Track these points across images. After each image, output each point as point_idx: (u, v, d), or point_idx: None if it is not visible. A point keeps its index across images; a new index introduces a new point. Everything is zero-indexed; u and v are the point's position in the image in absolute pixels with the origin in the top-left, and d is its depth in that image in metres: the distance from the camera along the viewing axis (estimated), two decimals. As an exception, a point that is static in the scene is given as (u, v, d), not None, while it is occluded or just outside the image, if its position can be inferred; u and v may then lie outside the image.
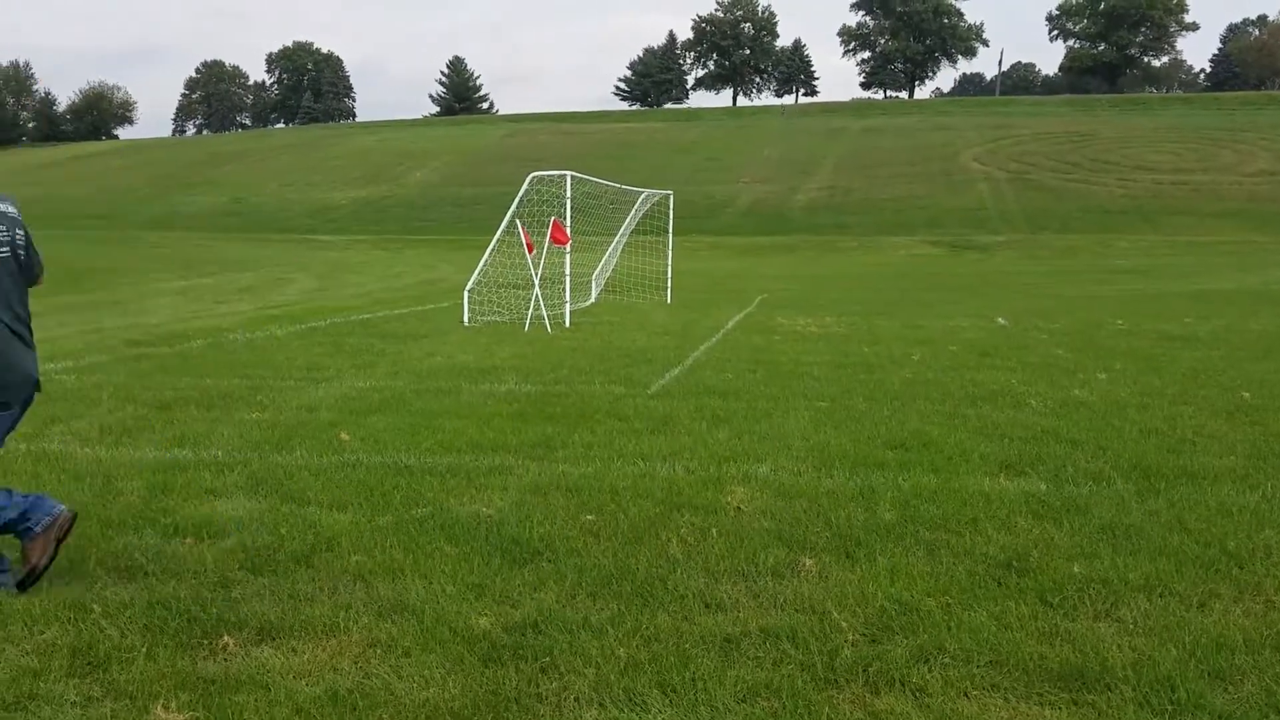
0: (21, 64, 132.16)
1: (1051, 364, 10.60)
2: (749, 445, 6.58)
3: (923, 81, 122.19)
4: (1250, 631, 3.58)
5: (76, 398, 8.13)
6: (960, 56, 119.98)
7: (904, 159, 66.48)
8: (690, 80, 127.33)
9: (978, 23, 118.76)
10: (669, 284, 20.37)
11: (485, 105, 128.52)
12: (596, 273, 20.07)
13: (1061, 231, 48.17)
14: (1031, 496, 5.31)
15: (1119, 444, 6.62)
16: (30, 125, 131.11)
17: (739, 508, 5.11)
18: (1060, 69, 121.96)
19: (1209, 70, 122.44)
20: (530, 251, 14.40)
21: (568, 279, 15.24)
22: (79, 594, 3.90)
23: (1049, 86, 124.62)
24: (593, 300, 18.99)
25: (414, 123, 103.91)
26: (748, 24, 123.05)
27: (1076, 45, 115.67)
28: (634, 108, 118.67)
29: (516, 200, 15.19)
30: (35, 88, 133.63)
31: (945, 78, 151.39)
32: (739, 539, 4.60)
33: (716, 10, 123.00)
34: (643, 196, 20.57)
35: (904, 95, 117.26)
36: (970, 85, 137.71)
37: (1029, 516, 4.96)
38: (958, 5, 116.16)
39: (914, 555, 4.40)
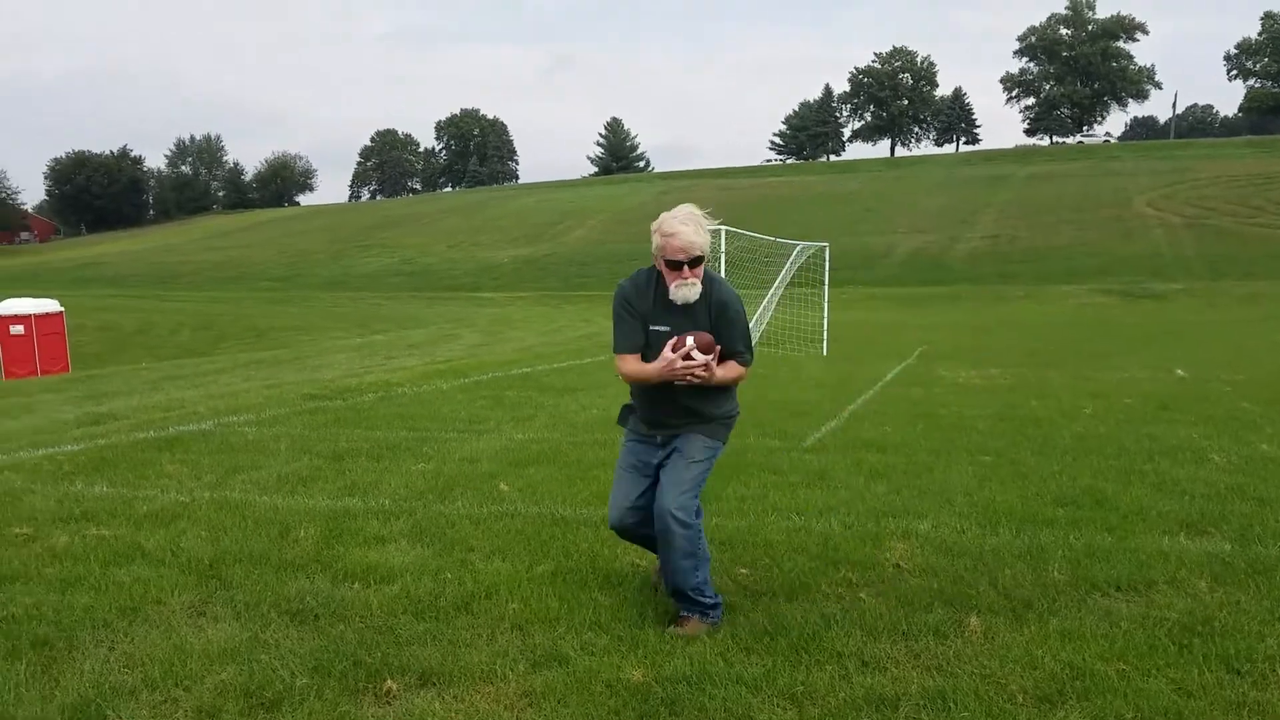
0: (213, 137, 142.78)
1: (1236, 417, 9.97)
2: (909, 501, 6.41)
3: (1090, 126, 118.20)
4: None
5: (257, 449, 8.58)
6: (1131, 100, 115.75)
7: (1072, 205, 64.21)
8: (847, 132, 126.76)
9: (1149, 65, 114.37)
10: (825, 336, 20.15)
11: (641, 165, 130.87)
12: (750, 326, 20.03)
13: (1244, 278, 45.43)
14: (1214, 557, 4.98)
15: (1316, 503, 6.16)
16: (220, 194, 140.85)
17: (898, 564, 4.97)
18: (1240, 109, 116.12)
19: None
20: None
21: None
22: (254, 634, 4.08)
23: (1228, 128, 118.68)
24: (748, 353, 18.93)
25: (573, 183, 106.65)
26: (906, 74, 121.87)
27: (1257, 84, 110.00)
28: (789, 161, 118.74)
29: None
30: (225, 159, 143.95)
31: (1115, 121, 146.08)
32: (898, 597, 4.47)
33: (874, 62, 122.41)
34: (798, 249, 20.49)
35: (1071, 141, 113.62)
36: (1142, 129, 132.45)
37: (1211, 579, 4.65)
38: (1128, 48, 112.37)
39: (1087, 618, 4.18)
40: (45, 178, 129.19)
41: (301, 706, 3.43)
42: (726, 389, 4.26)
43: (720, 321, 4.07)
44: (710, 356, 3.92)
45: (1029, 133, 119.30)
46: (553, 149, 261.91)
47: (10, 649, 3.93)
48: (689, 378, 3.97)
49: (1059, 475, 7.15)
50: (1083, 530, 5.60)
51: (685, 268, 3.98)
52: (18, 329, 23.57)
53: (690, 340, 3.93)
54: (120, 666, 3.78)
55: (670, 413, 4.23)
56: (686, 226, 3.95)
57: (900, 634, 4.05)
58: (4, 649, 3.92)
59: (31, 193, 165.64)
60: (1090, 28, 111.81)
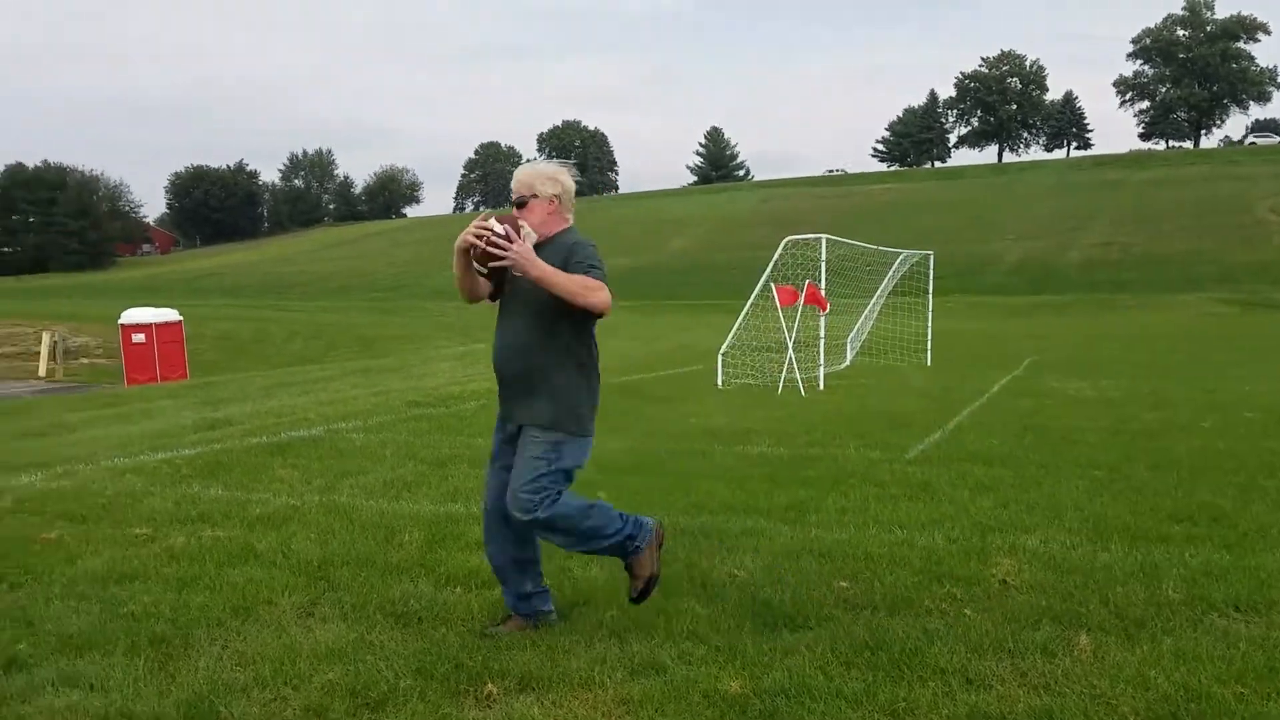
0: (324, 151, 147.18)
1: (1370, 433, 9.48)
2: (1016, 515, 6.25)
3: (1209, 130, 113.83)
4: None
5: (364, 454, 8.79)
6: (1252, 102, 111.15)
7: (1190, 212, 61.96)
8: (953, 138, 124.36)
9: (1271, 66, 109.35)
10: (929, 346, 19.78)
11: (741, 173, 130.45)
12: (852, 335, 19.77)
13: (1378, 286, 43.26)
14: (1345, 580, 4.74)
15: None
16: (331, 206, 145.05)
17: (1004, 580, 4.85)
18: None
19: None
20: (788, 304, 14.30)
21: (822, 341, 15.11)
22: (360, 635, 4.18)
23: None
24: (848, 363, 18.71)
25: (672, 192, 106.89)
26: (1014, 79, 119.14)
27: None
28: (892, 168, 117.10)
29: (771, 264, 15.28)
30: (335, 172, 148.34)
31: (1235, 125, 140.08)
32: (1005, 613, 4.36)
33: (981, 67, 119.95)
34: (901, 257, 20.17)
35: (1188, 145, 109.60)
36: (1265, 132, 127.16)
37: (1343, 602, 4.42)
38: (1248, 49, 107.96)
39: (1203, 638, 4.02)
40: (166, 191, 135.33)
41: (405, 707, 3.50)
42: (570, 359, 4.30)
43: (570, 260, 4.19)
44: (505, 228, 3.98)
45: (1144, 137, 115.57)
46: (651, 158, 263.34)
47: (130, 645, 4.09)
48: (484, 245, 4.01)
49: (1174, 490, 6.89)
50: (1199, 548, 5.39)
51: (514, 209, 4.31)
52: (139, 337, 24.61)
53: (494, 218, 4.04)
54: (233, 664, 3.91)
55: (506, 357, 4.33)
56: (516, 172, 4.39)
57: (1006, 651, 3.95)
58: (124, 645, 4.09)
59: (153, 206, 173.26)
60: (1209, 29, 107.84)
